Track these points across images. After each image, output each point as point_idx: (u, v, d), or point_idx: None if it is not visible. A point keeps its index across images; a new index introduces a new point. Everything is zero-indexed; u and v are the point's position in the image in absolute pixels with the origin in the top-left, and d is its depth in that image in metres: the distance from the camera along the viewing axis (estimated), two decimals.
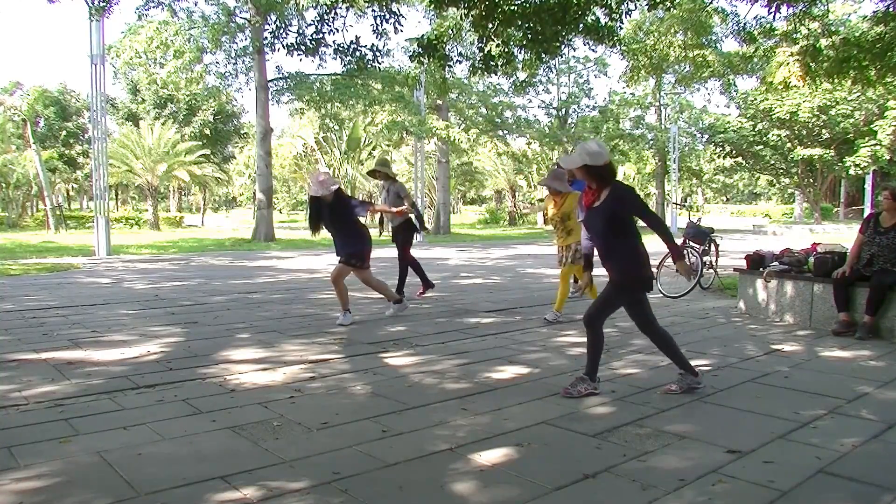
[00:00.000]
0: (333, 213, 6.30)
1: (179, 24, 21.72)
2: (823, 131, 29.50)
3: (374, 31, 8.85)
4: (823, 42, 10.39)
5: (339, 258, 6.49)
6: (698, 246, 8.60)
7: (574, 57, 33.93)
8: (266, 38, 20.37)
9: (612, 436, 3.21)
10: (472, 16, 7.66)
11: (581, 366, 4.65)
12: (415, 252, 8.45)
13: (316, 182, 6.28)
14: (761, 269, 6.92)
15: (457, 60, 12.79)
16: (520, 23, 7.73)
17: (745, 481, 2.66)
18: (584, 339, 5.58)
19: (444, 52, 9.13)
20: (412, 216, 8.15)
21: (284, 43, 10.48)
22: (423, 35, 9.47)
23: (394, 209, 7.43)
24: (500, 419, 3.48)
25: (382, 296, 6.94)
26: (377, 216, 8.00)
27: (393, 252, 8.17)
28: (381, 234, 8.18)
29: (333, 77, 23.35)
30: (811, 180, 32.94)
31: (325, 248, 19.38)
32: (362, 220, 6.61)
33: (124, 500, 2.48)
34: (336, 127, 30.15)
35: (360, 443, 3.10)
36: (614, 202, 3.84)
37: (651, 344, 5.39)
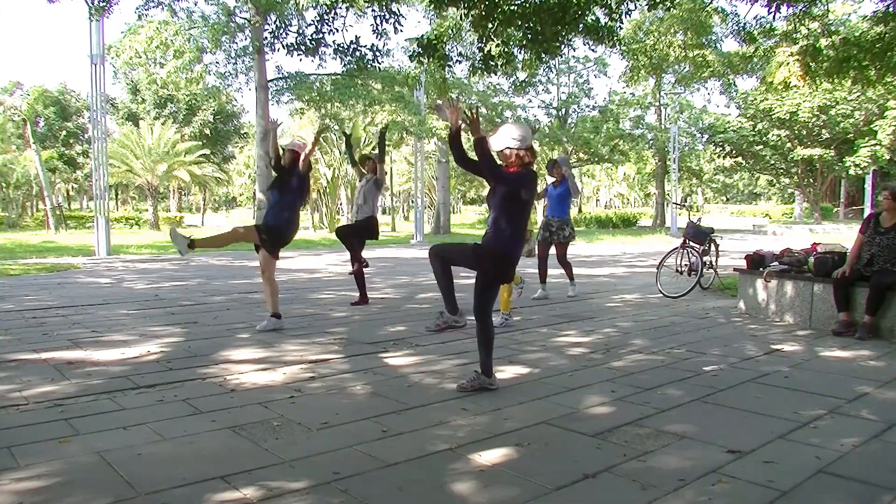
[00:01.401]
0: (282, 180, 5.94)
1: (179, 24, 21.74)
2: (823, 131, 29.50)
3: (374, 31, 8.84)
4: (823, 42, 10.38)
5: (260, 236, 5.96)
6: (698, 246, 8.60)
7: (574, 57, 34.01)
8: (266, 38, 20.28)
9: (612, 436, 3.21)
10: (471, 16, 7.65)
11: (581, 366, 4.67)
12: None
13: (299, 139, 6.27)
14: (761, 269, 6.92)
15: (457, 60, 12.75)
16: (520, 23, 7.72)
17: (745, 481, 2.66)
18: (585, 339, 5.64)
19: (443, 52, 9.11)
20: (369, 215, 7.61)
21: (284, 43, 10.45)
22: (423, 35, 9.46)
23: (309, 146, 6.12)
24: (500, 419, 3.48)
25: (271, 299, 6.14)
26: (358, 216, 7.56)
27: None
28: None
29: (333, 77, 23.33)
30: (811, 180, 32.95)
31: (326, 248, 19.37)
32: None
33: (124, 500, 2.48)
34: (336, 127, 30.13)
35: (360, 443, 3.10)
36: (516, 178, 3.91)
37: (651, 344, 5.43)
